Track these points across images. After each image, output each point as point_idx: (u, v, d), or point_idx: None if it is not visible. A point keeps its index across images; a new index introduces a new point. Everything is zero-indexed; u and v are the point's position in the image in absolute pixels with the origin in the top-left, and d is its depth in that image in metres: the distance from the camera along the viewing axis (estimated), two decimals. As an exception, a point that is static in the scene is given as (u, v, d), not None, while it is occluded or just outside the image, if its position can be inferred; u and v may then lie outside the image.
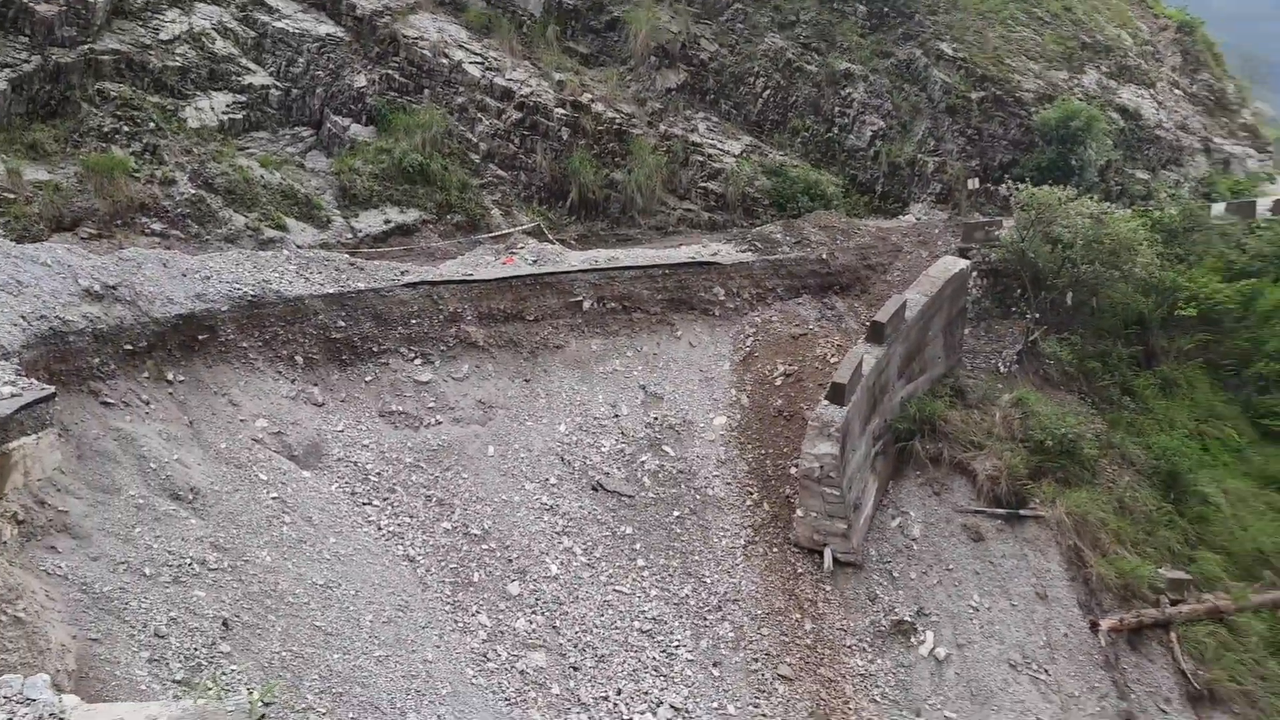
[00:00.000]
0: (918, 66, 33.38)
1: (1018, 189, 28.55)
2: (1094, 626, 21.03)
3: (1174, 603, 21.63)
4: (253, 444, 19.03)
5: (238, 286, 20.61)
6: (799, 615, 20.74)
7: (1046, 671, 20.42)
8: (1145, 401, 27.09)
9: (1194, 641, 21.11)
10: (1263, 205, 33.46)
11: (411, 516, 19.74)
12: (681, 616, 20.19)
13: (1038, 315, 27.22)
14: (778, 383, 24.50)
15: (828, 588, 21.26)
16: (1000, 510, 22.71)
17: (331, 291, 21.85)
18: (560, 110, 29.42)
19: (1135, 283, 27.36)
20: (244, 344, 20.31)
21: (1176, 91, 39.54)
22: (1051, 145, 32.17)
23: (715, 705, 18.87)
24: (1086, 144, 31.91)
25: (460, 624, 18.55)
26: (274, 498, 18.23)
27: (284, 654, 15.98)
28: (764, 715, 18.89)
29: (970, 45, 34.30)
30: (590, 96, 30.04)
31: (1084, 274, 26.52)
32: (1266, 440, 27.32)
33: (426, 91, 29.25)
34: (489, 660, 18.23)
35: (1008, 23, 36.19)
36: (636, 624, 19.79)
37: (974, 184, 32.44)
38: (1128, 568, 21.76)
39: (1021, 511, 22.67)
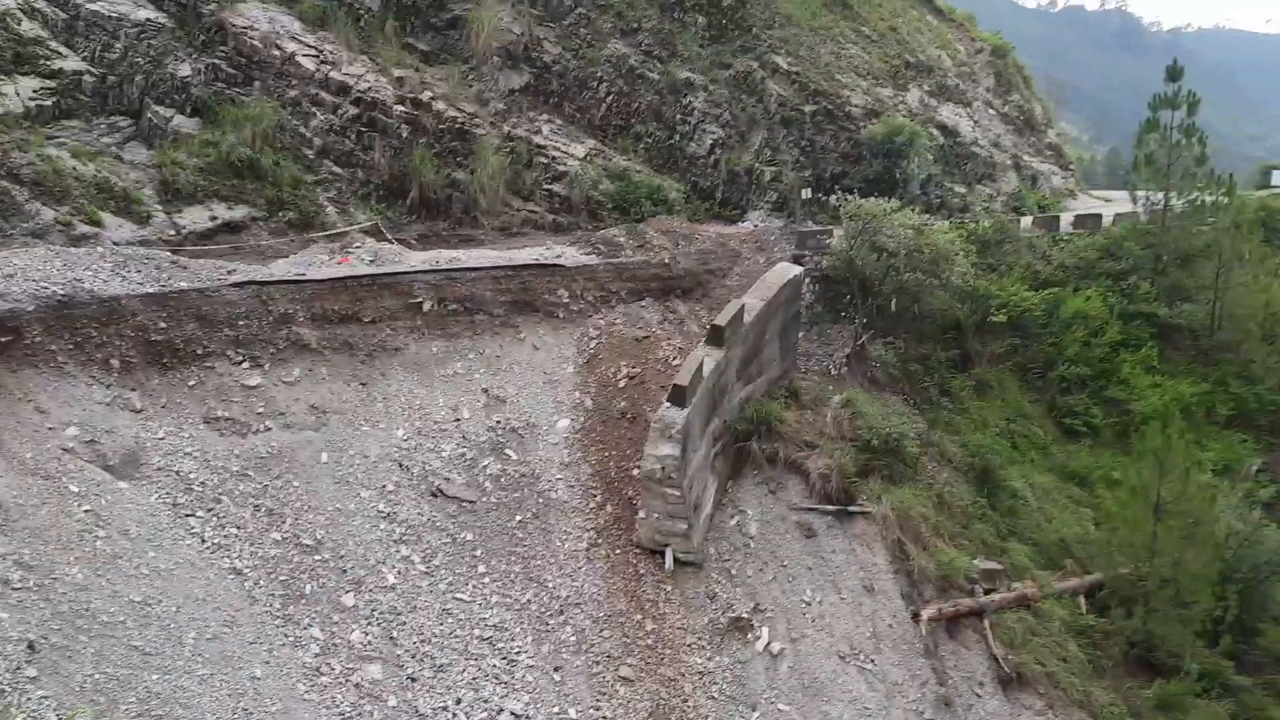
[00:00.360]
0: (755, 78, 34.38)
1: (846, 200, 29.80)
2: (915, 617, 22.19)
3: (987, 592, 23.07)
4: (62, 454, 17.78)
5: (45, 285, 19.22)
6: (640, 616, 20.99)
7: (873, 661, 21.39)
8: (962, 402, 28.81)
9: (1005, 628, 22.56)
10: (1066, 220, 36.18)
11: (239, 528, 18.88)
12: (523, 622, 20.10)
13: (865, 320, 28.51)
14: (621, 385, 24.73)
15: (668, 588, 21.60)
16: (831, 507, 23.65)
17: (151, 291, 20.66)
18: (400, 107, 28.78)
19: (952, 290, 29.05)
20: (53, 347, 18.94)
21: (990, 111, 42.18)
22: (878, 159, 33.81)
23: (556, 710, 18.88)
24: (910, 158, 33.71)
25: (291, 638, 17.87)
26: (86, 511, 17.09)
27: (97, 676, 15.02)
28: (605, 717, 19.03)
29: (804, 60, 35.60)
30: (431, 94, 29.53)
31: (906, 282, 27.97)
32: (1068, 438, 29.55)
33: (257, 83, 28.06)
34: (322, 675, 17.64)
35: (838, 40, 37.76)
36: (477, 631, 19.58)
37: (807, 193, 33.70)
38: (946, 560, 23.06)
39: (850, 508, 23.67)
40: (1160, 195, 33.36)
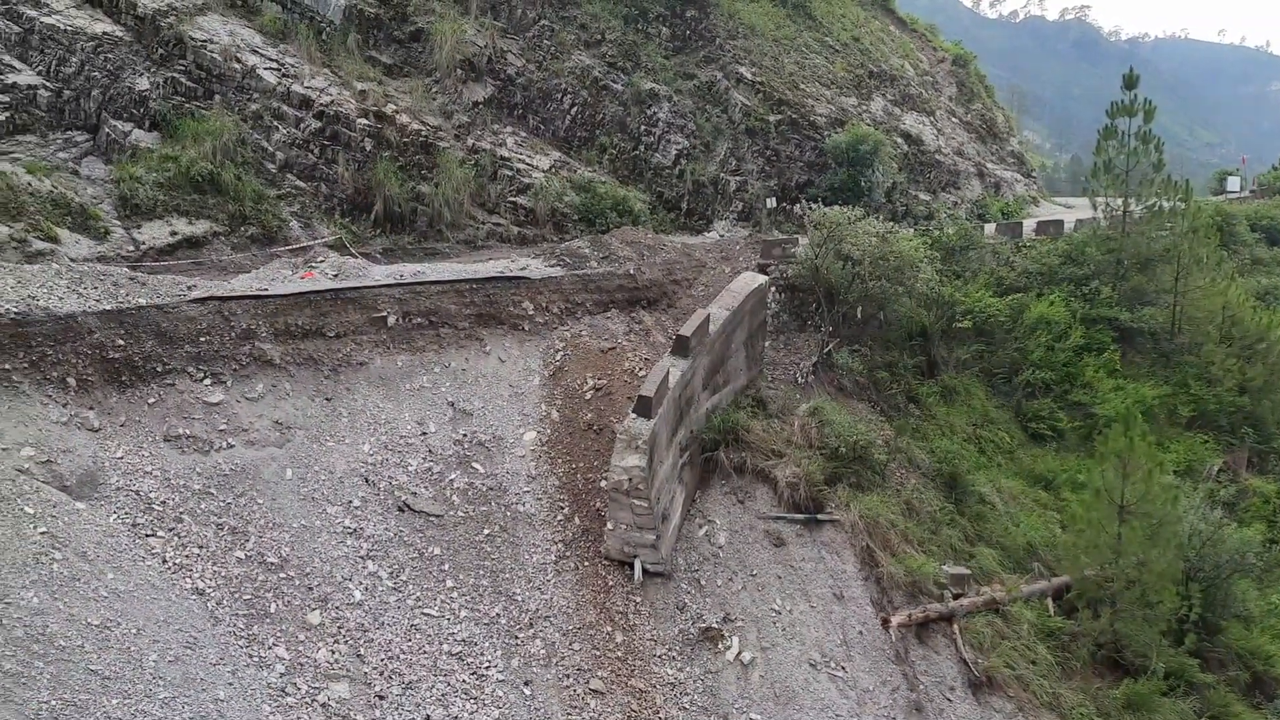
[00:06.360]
0: (719, 89, 34.55)
1: (811, 208, 29.98)
2: (885, 623, 22.22)
3: (956, 596, 23.15)
4: (17, 474, 17.40)
5: (-1, 303, 18.86)
6: (610, 628, 20.86)
7: (844, 668, 21.38)
8: (929, 408, 28.97)
9: (974, 632, 22.62)
10: (1029, 226, 36.63)
11: (201, 547, 18.56)
12: (492, 636, 19.91)
13: (831, 328, 28.62)
14: (587, 396, 24.64)
15: (638, 599, 21.50)
16: (799, 515, 23.65)
17: (109, 308, 20.31)
18: (363, 120, 28.63)
19: (918, 298, 29.26)
20: (7, 365, 18.57)
21: (953, 119, 42.65)
22: (843, 167, 34.07)
23: (527, 724, 18.70)
24: (874, 167, 33.99)
25: (256, 658, 17.58)
26: (42, 533, 16.72)
27: (54, 703, 14.67)
28: (575, 731, 18.87)
29: (768, 70, 35.82)
30: (394, 107, 29.40)
31: (872, 289, 28.13)
32: (1034, 442, 29.79)
33: (217, 97, 27.82)
34: (288, 695, 17.36)
35: (802, 50, 38.05)
36: (446, 647, 19.36)
37: (772, 203, 33.86)
38: (915, 565, 23.12)
39: (819, 516, 23.69)
40: (1119, 201, 33.81)
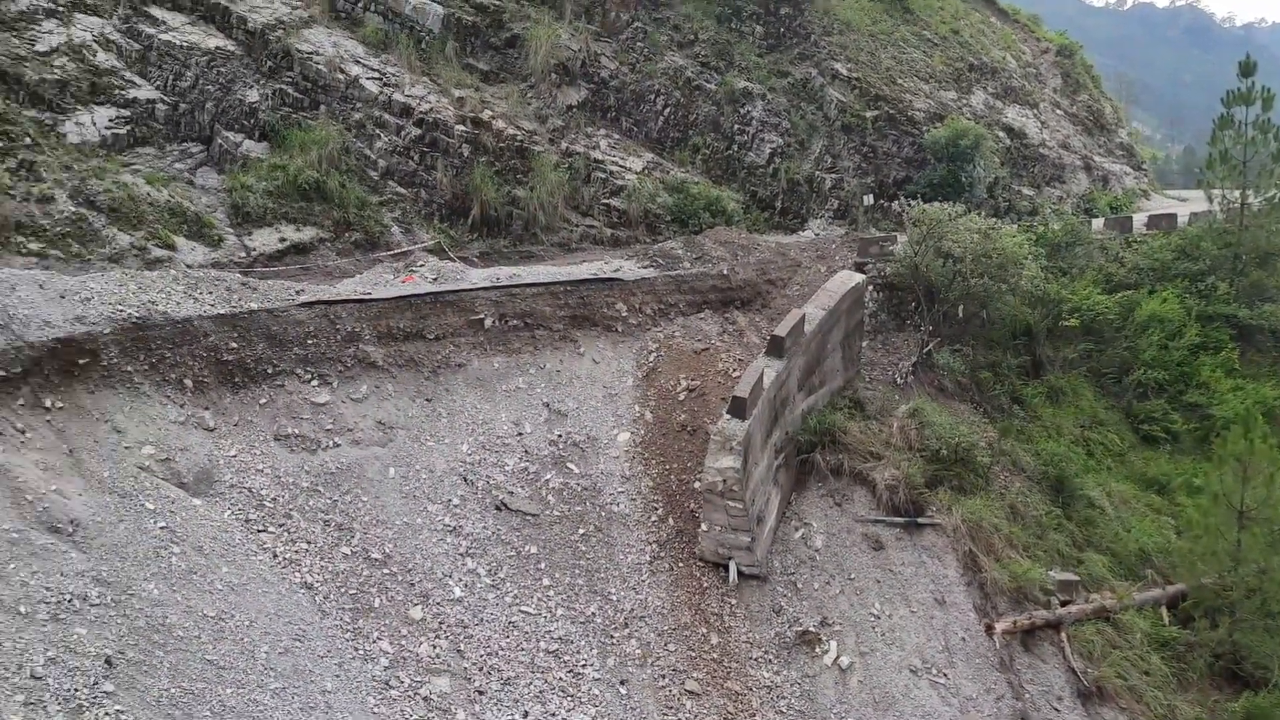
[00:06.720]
0: (814, 86, 34.18)
1: (910, 205, 29.39)
2: (989, 629, 21.65)
3: (1063, 603, 22.42)
4: (139, 472, 18.26)
5: (121, 308, 19.80)
6: (705, 629, 20.83)
7: (945, 675, 20.91)
8: (1034, 410, 28.13)
9: (1083, 640, 21.89)
10: (1139, 220, 35.26)
11: (309, 542, 19.19)
12: (588, 635, 20.07)
13: (931, 328, 28.02)
14: (681, 397, 24.65)
15: (733, 601, 21.41)
16: (899, 519, 23.23)
17: (223, 312, 21.16)
18: (460, 127, 29.18)
19: (1022, 295, 28.42)
20: (128, 368, 19.50)
21: (1058, 112, 41.33)
22: (942, 163, 33.31)
23: (623, 723, 18.79)
24: (975, 162, 33.15)
25: (361, 651, 18.08)
26: (162, 527, 17.51)
27: (173, 690, 15.33)
28: (671, 731, 18.88)
29: (864, 66, 35.29)
30: (491, 113, 29.88)
31: (974, 287, 27.42)
32: (1146, 445, 28.65)
33: (323, 107, 28.69)
34: (391, 688, 17.81)
35: (899, 44, 37.37)
36: (543, 644, 19.60)
37: (869, 200, 33.34)
38: (1020, 571, 22.47)
39: (919, 519, 23.23)
40: (1237, 193, 32.34)
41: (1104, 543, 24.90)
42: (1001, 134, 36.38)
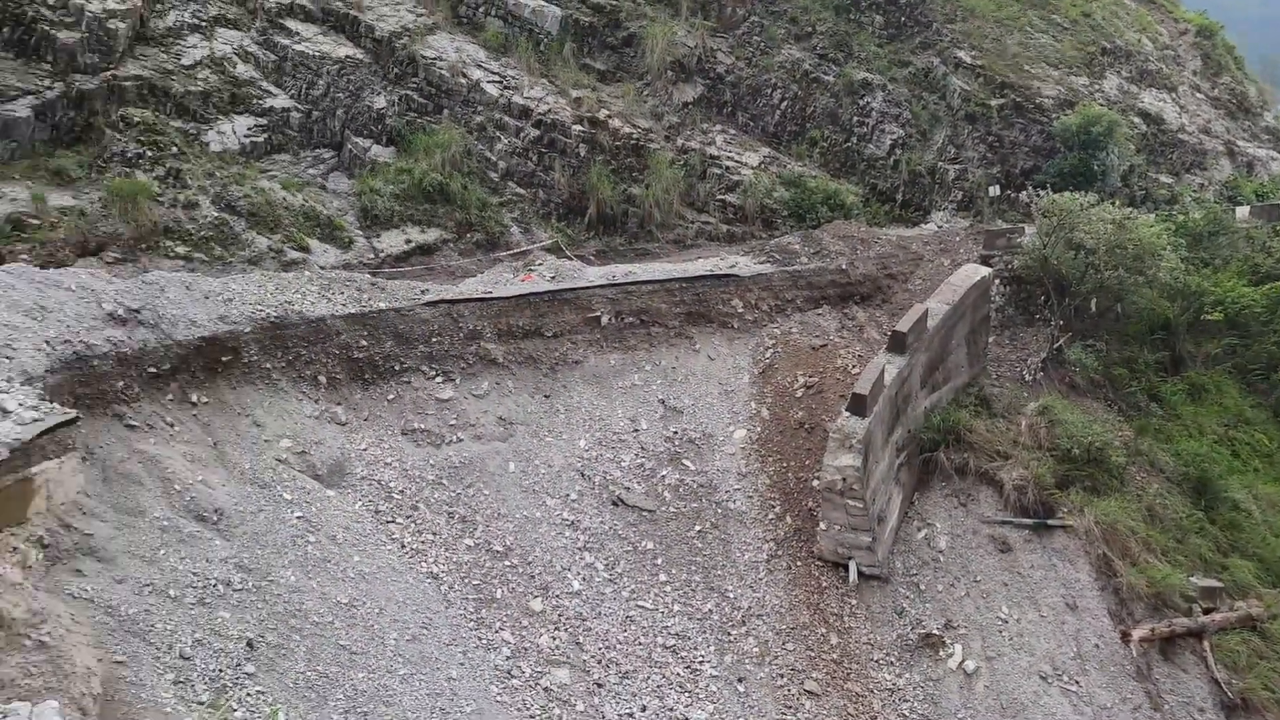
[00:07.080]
0: (936, 75, 33.33)
1: (1038, 196, 28.35)
2: (1125, 637, 20.73)
3: (1206, 611, 21.29)
4: (277, 464, 19.13)
5: (260, 308, 20.76)
6: (824, 629, 20.57)
7: (1078, 683, 20.14)
8: (1173, 408, 26.77)
9: (1227, 650, 20.74)
10: (1289, 208, 33.12)
11: (434, 534, 19.76)
12: (705, 632, 20.07)
13: (1062, 322, 26.97)
14: (798, 394, 24.38)
15: (853, 601, 21.08)
16: (1028, 520, 22.45)
17: (353, 311, 21.97)
18: (578, 127, 29.56)
19: (1160, 288, 27.06)
20: (267, 365, 20.45)
21: (1198, 95, 39.21)
22: (1073, 151, 32.01)
23: (741, 721, 18.73)
24: (1108, 149, 31.73)
25: (484, 641, 18.53)
26: (298, 517, 18.30)
27: (309, 674, 16.01)
28: (790, 731, 18.73)
29: (989, 53, 34.21)
30: (607, 112, 30.17)
31: (1108, 280, 26.22)
32: (1297, 445, 26.96)
33: (445, 111, 29.49)
34: (513, 677, 18.19)
35: (1026, 29, 36.09)
36: (660, 639, 19.70)
37: (995, 191, 32.30)
38: (1158, 576, 21.44)
39: (1049, 521, 22.40)
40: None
41: (1250, 548, 23.52)
42: (1137, 120, 34.74)
